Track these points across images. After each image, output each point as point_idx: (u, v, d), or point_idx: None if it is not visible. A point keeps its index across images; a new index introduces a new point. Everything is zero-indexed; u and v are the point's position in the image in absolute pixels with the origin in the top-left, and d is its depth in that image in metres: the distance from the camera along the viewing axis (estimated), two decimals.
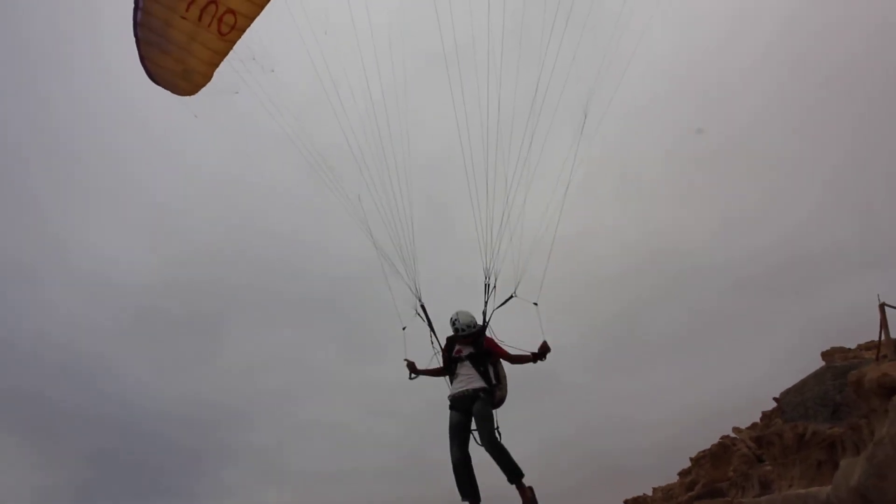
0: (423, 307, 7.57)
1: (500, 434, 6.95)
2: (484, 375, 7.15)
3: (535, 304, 7.11)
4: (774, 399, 18.79)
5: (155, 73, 7.61)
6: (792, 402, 17.47)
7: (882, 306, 11.27)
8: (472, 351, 7.26)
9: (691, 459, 22.61)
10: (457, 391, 7.15)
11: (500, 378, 7.29)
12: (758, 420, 21.21)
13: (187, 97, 7.89)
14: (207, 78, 7.78)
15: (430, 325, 7.55)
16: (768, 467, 17.10)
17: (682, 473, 22.82)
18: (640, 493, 27.49)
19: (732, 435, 20.76)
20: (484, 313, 7.34)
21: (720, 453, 20.75)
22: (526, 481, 6.71)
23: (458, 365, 7.28)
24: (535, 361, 7.21)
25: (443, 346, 7.53)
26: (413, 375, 7.60)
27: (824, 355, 18.33)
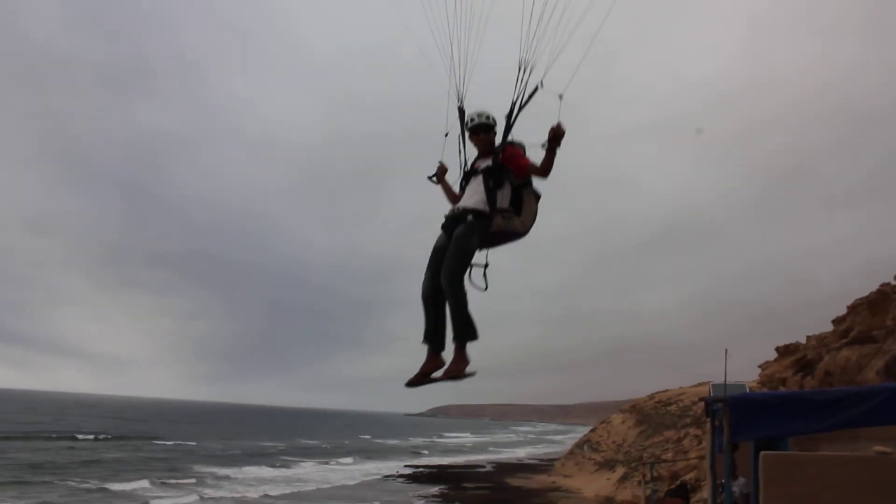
0: (460, 110, 6.04)
1: (486, 280, 5.64)
2: (489, 194, 5.70)
3: (561, 96, 5.49)
4: None
5: None
6: None
7: None
8: (489, 165, 5.82)
9: (848, 307, 21.96)
10: (451, 209, 5.87)
11: (522, 206, 5.88)
12: None
13: None
14: None
15: (463, 131, 6.02)
16: None
17: (837, 321, 22.24)
18: (794, 341, 27.12)
19: (893, 283, 19.84)
20: (508, 118, 5.83)
21: (878, 300, 20.00)
22: (471, 351, 5.33)
23: (472, 179, 5.90)
24: (551, 153, 5.53)
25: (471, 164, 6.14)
26: (434, 178, 6.38)
27: None
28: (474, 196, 5.71)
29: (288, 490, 39.86)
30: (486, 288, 5.61)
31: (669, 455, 44.52)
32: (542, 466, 62.40)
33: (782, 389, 20.03)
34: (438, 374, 5.37)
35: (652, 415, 58.02)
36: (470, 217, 5.58)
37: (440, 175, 6.32)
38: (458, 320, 5.29)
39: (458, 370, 5.24)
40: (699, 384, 53.50)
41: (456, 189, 6.17)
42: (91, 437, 69.58)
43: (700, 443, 36.28)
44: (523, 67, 5.53)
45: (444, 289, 5.34)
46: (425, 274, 5.58)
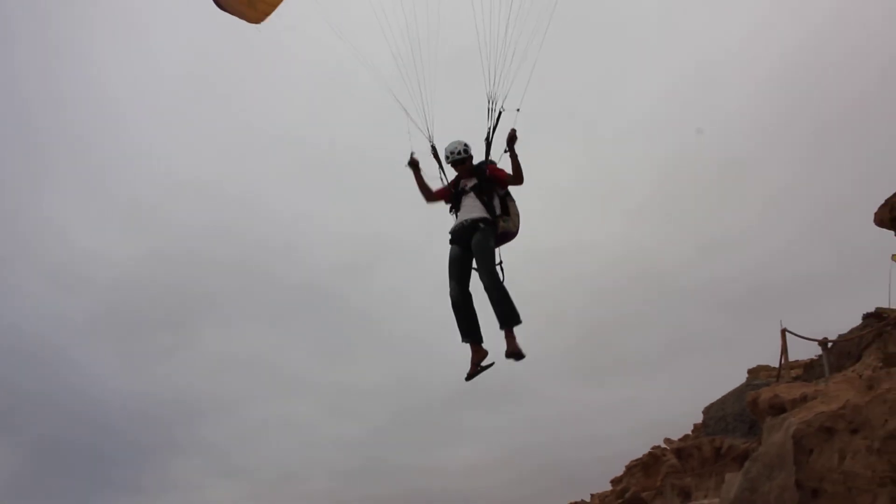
0: (433, 148, 7.01)
1: (503, 272, 6.42)
2: (487, 205, 6.65)
3: (518, 109, 6.60)
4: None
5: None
6: (714, 417, 18.28)
7: (783, 332, 12.01)
8: (476, 182, 6.75)
9: (625, 467, 23.35)
10: (457, 223, 6.70)
11: (510, 210, 6.79)
12: (689, 432, 21.99)
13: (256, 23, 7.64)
14: (273, 6, 7.58)
15: (439, 163, 6.99)
16: (688, 479, 17.86)
17: (615, 481, 23.54)
18: (579, 499, 28.18)
19: (663, 445, 21.52)
20: (486, 141, 6.82)
21: (651, 463, 21.49)
22: (518, 334, 6.14)
23: (463, 198, 6.76)
24: (514, 157, 6.52)
25: (451, 181, 7.03)
26: (410, 166, 7.01)
27: (750, 372, 19.13)
28: (474, 210, 6.66)
29: None
30: (504, 280, 6.39)
31: None
32: None
33: None
34: (487, 361, 6.34)
35: None
36: (482, 224, 6.55)
37: (416, 164, 6.99)
38: (506, 309, 6.13)
39: (518, 349, 6.07)
40: None
41: (429, 182, 7.05)
42: None
43: None
44: (491, 100, 6.71)
45: (486, 286, 6.23)
46: (450, 284, 6.52)
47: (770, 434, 8.60)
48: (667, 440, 21.67)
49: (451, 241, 6.71)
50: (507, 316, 6.13)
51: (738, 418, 16.75)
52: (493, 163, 6.83)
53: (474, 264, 6.52)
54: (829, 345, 11.36)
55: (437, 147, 7.01)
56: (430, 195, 7.09)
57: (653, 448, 21.62)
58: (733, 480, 9.68)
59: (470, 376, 6.43)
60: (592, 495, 27.67)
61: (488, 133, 6.81)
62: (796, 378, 12.88)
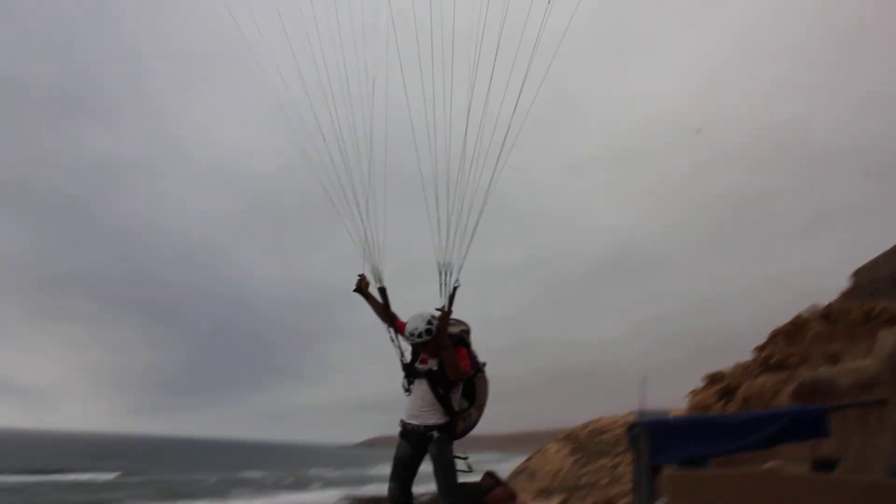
0: (382, 290, 6.09)
1: (468, 466, 5.80)
2: (443, 401, 5.59)
3: (457, 286, 5.70)
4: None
5: None
6: (865, 279, 17.61)
7: None
8: (433, 368, 5.66)
9: (768, 336, 23.10)
10: (409, 421, 5.72)
11: (476, 394, 5.89)
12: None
13: None
14: None
15: (387, 307, 6.08)
16: (836, 344, 17.50)
17: (758, 349, 23.37)
18: (718, 370, 28.22)
19: (808, 312, 21.04)
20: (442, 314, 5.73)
21: (795, 329, 21.13)
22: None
23: (416, 381, 5.71)
24: (442, 347, 5.57)
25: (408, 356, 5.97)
26: (358, 290, 6.17)
27: None
28: (425, 409, 5.63)
29: None
30: (469, 471, 5.84)
31: (605, 482, 45.32)
32: None
33: None
34: None
35: (587, 443, 58.90)
36: (435, 433, 5.61)
37: (363, 288, 6.12)
38: None
39: None
40: (630, 414, 54.74)
41: (378, 298, 6.10)
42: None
43: None
44: (443, 271, 5.71)
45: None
46: (391, 483, 5.70)
47: None
48: (812, 305, 21.14)
49: (401, 434, 5.81)
50: None
51: (891, 280, 16.08)
52: (460, 341, 5.82)
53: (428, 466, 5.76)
54: None
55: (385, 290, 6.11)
56: (393, 322, 6.04)
57: (798, 314, 21.19)
58: (888, 337, 9.56)
59: None
60: (735, 364, 27.65)
61: (442, 308, 5.74)
62: None
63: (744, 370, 25.78)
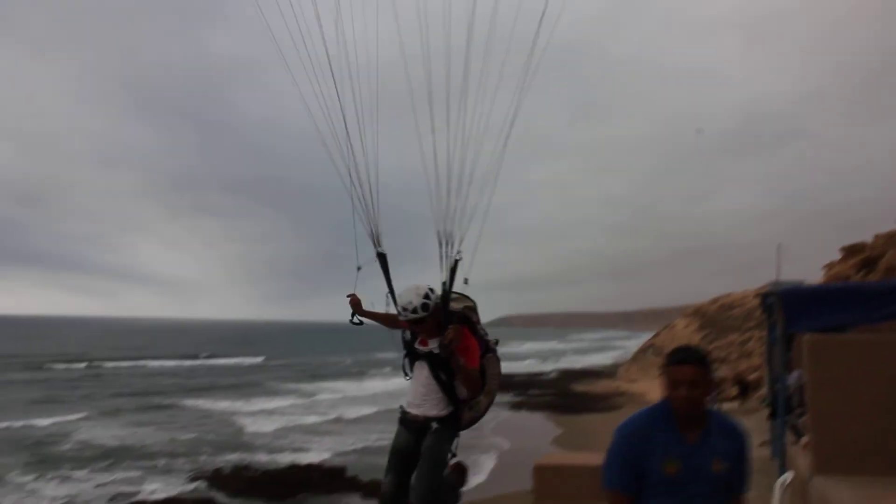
0: (381, 256, 5.29)
1: (454, 461, 5.09)
2: (447, 388, 4.99)
3: (458, 258, 5.01)
4: None
5: None
6: None
7: None
8: (434, 350, 4.98)
9: None
10: (409, 410, 5.12)
11: (484, 378, 5.15)
12: None
13: None
14: None
15: (388, 282, 5.26)
16: None
17: None
18: (859, 241, 26.69)
19: None
20: (444, 292, 5.06)
21: None
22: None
23: (416, 364, 5.12)
24: (455, 364, 4.84)
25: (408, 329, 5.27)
26: (356, 320, 5.51)
27: None
28: (428, 397, 5.02)
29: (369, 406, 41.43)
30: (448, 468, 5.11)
31: (734, 357, 44.85)
32: (607, 372, 63.60)
33: None
34: None
35: (715, 319, 58.12)
36: (435, 425, 4.99)
37: (359, 309, 5.46)
38: None
39: None
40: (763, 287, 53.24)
41: (378, 309, 5.39)
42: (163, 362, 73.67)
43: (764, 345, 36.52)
44: (442, 241, 5.00)
45: (419, 497, 4.84)
46: (387, 477, 5.10)
47: None
48: None
49: (401, 422, 5.19)
50: None
51: None
52: (465, 321, 5.07)
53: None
54: None
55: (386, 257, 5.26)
56: (392, 324, 5.35)
57: None
58: None
59: None
60: (876, 236, 26.07)
61: (443, 286, 5.04)
62: None
63: (887, 240, 24.28)
